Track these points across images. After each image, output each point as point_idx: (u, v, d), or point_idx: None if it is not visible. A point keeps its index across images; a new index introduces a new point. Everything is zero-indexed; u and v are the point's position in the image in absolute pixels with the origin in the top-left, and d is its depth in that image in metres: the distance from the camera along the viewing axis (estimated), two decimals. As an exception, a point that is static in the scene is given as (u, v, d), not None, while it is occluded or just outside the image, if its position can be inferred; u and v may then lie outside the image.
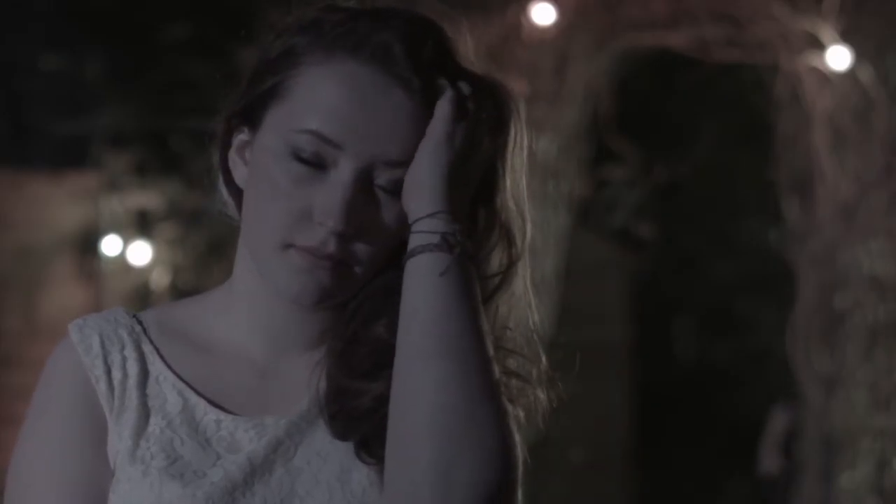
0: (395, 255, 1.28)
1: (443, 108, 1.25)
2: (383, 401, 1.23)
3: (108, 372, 1.29)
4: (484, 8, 4.71)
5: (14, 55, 5.28)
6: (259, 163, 1.28)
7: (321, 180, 1.25)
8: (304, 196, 1.25)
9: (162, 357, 1.31)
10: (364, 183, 1.25)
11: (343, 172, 1.24)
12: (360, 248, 1.26)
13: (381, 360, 1.25)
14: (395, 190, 1.26)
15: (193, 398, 1.29)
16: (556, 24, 4.65)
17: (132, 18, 5.15)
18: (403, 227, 1.26)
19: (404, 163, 1.25)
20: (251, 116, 1.30)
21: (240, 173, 1.32)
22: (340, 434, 1.25)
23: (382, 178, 1.25)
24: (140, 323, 1.34)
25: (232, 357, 1.32)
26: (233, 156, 1.32)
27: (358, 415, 1.25)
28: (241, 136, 1.32)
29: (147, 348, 1.31)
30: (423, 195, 1.23)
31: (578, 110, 4.91)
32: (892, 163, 4.41)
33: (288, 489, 1.24)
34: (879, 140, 4.40)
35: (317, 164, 1.24)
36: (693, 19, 4.72)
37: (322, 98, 1.25)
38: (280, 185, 1.25)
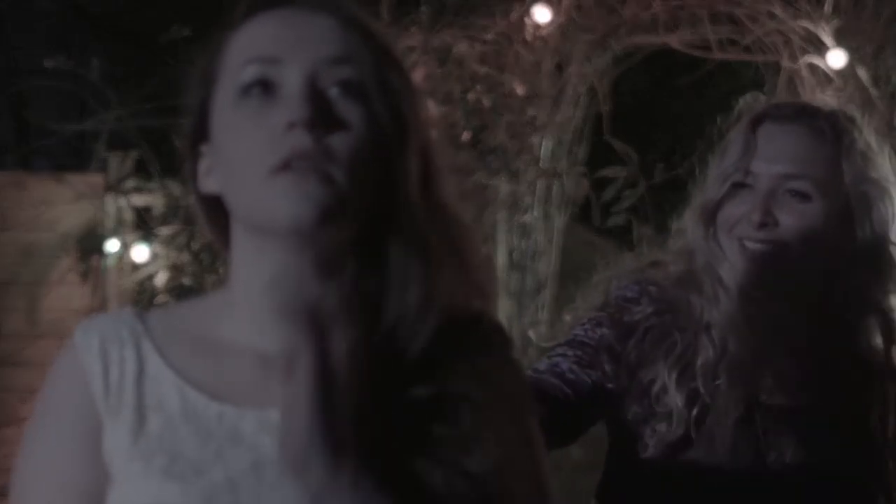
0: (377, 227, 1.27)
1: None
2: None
3: (106, 371, 1.29)
4: (484, 8, 4.72)
5: (18, 56, 5.30)
6: (222, 136, 1.29)
7: (276, 100, 1.25)
8: (267, 119, 1.25)
9: (162, 355, 1.31)
10: (315, 88, 1.25)
11: (291, 78, 1.25)
12: (336, 146, 1.24)
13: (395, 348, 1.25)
14: (349, 90, 1.26)
15: (193, 395, 1.28)
16: (556, 24, 4.66)
17: (134, 19, 5.16)
18: (372, 134, 1.26)
19: (347, 60, 1.26)
20: (203, 128, 1.31)
21: (213, 181, 1.32)
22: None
23: (331, 79, 1.26)
24: (143, 322, 1.34)
25: (235, 354, 1.31)
26: (203, 180, 1.33)
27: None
28: (204, 159, 1.32)
29: (147, 347, 1.31)
30: None
31: (578, 110, 4.92)
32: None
33: (294, 498, 1.22)
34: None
35: (265, 90, 1.25)
36: (693, 19, 4.73)
37: (246, 38, 1.28)
38: (243, 125, 1.25)
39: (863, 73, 4.37)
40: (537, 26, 4.62)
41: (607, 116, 4.83)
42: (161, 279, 4.80)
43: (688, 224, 2.04)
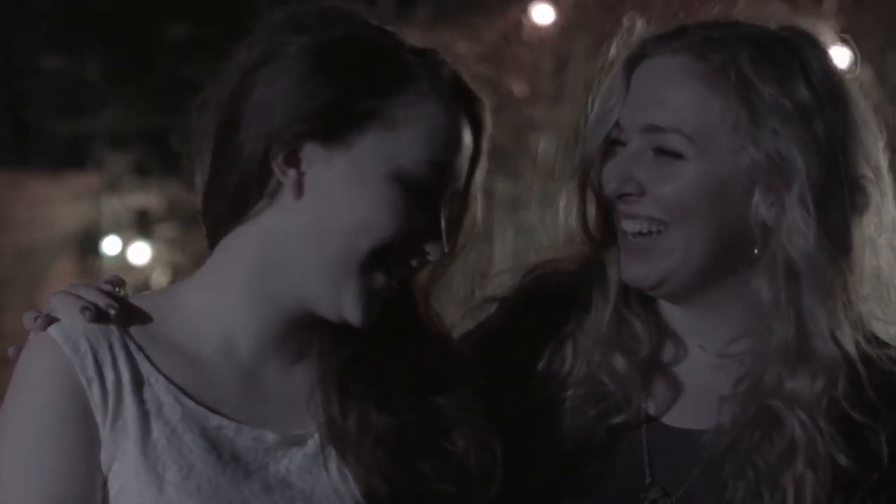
0: None
1: None
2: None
3: (100, 373, 1.24)
4: (484, 8, 4.71)
5: (15, 56, 5.29)
6: (348, 183, 1.28)
7: (419, 205, 1.29)
8: (405, 219, 1.28)
9: (148, 357, 1.26)
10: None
11: (439, 201, 1.31)
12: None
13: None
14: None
15: (191, 403, 1.26)
16: (556, 24, 4.65)
17: (132, 19, 5.16)
18: None
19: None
20: (333, 133, 1.28)
21: (291, 180, 1.28)
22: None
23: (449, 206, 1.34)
24: (122, 324, 1.28)
25: (217, 360, 1.29)
26: (279, 164, 1.28)
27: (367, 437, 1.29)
28: (297, 152, 1.28)
29: (134, 348, 1.26)
30: None
31: (578, 110, 4.90)
32: (892, 162, 4.41)
33: None
34: (879, 140, 4.40)
35: (419, 191, 1.29)
36: (693, 19, 4.72)
37: (427, 126, 1.30)
38: (387, 210, 1.27)
39: (865, 73, 4.36)
40: (536, 26, 4.62)
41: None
42: (159, 278, 4.79)
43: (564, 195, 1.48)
